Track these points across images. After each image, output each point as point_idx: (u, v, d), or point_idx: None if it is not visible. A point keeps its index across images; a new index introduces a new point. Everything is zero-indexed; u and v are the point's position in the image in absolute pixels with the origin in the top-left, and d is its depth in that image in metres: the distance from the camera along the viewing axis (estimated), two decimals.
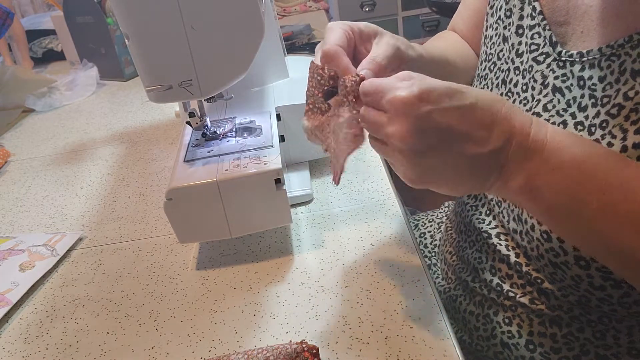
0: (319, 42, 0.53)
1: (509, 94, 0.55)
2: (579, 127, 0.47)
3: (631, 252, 0.39)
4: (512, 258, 0.55)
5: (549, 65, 0.51)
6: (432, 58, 0.59)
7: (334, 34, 0.49)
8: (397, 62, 0.50)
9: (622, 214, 0.39)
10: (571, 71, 0.48)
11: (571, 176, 0.40)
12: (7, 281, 0.63)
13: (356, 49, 0.51)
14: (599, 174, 0.40)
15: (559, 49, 0.50)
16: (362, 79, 0.44)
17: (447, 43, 0.71)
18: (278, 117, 0.72)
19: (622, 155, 0.42)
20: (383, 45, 0.50)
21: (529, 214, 0.50)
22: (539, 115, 0.50)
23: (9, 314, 0.60)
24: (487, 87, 0.59)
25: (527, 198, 0.42)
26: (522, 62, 0.54)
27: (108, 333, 0.55)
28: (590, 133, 0.45)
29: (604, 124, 0.44)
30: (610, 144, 0.44)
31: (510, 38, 0.55)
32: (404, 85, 0.40)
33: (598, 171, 0.40)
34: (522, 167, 0.41)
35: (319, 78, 0.48)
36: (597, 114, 0.45)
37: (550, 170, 0.40)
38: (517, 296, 0.55)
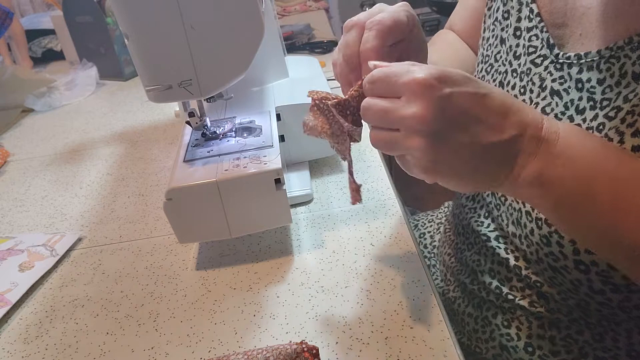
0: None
1: None
2: None
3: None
4: (512, 261, 0.55)
5: (546, 67, 0.50)
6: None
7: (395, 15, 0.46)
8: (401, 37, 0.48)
9: (633, 209, 0.38)
10: (569, 73, 0.48)
11: (583, 170, 0.39)
12: (6, 281, 0.63)
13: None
14: (610, 169, 0.39)
15: (556, 51, 0.49)
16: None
17: (446, 49, 0.71)
18: (278, 117, 0.72)
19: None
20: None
21: (528, 217, 0.50)
22: None
23: (8, 314, 0.59)
24: None
25: (537, 192, 0.41)
26: (519, 65, 0.53)
27: (108, 333, 0.55)
28: None
29: (601, 127, 0.44)
30: None
31: (508, 40, 0.55)
32: (419, 68, 0.39)
33: (610, 166, 0.40)
34: (534, 158, 0.40)
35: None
36: (595, 117, 0.45)
37: (563, 164, 0.39)
38: (516, 299, 0.55)
